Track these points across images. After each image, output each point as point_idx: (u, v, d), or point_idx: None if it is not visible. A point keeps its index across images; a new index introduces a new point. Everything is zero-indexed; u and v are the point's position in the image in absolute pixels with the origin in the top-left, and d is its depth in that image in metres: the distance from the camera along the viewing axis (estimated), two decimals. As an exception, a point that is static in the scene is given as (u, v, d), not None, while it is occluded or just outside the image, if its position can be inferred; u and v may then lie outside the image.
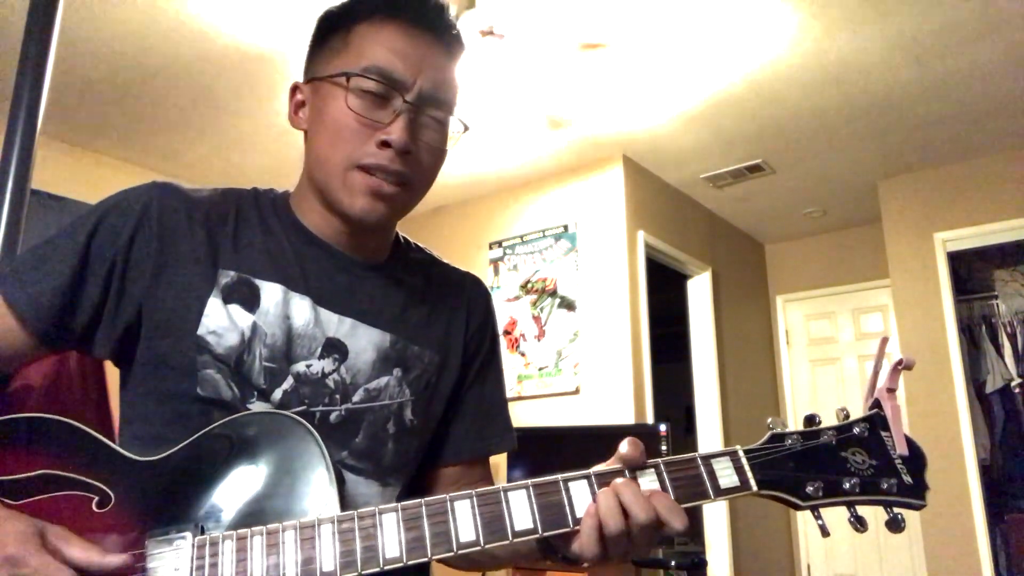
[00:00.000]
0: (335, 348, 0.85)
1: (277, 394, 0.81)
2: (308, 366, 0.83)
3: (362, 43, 0.83)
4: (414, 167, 0.84)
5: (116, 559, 0.66)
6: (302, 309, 0.84)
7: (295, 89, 0.90)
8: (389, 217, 0.86)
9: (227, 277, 0.82)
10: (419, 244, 1.01)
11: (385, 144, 0.81)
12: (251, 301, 0.82)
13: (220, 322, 0.80)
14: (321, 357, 0.84)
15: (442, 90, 0.85)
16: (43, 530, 0.65)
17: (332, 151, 0.83)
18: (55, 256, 0.80)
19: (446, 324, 0.95)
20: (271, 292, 0.83)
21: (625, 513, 0.68)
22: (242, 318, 0.81)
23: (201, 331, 0.80)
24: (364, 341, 0.87)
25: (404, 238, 0.99)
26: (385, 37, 0.83)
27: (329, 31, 0.87)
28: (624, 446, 0.72)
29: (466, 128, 0.89)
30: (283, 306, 0.83)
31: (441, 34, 0.86)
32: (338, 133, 0.82)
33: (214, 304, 0.81)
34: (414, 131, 0.83)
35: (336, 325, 0.85)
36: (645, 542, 0.69)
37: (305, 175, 0.90)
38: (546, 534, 0.70)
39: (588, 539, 0.69)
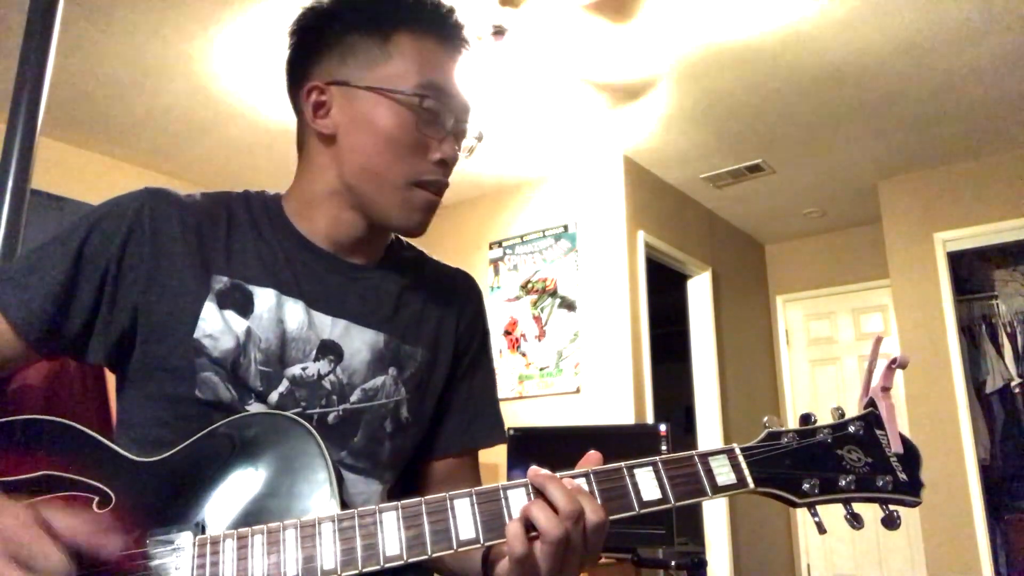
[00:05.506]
0: (330, 350, 0.85)
1: (273, 397, 0.82)
2: (303, 369, 0.84)
3: (407, 56, 0.84)
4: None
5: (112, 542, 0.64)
6: (295, 313, 0.85)
7: (314, 90, 0.86)
8: None
9: (220, 283, 0.83)
10: (410, 242, 1.02)
11: (443, 162, 0.85)
12: (245, 306, 0.83)
13: (215, 326, 0.81)
14: (316, 359, 0.84)
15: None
16: (39, 515, 0.63)
17: (388, 167, 0.84)
18: (48, 262, 0.80)
19: (437, 321, 0.96)
20: (264, 297, 0.84)
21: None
22: (237, 323, 0.82)
23: (197, 335, 0.80)
24: (358, 342, 0.87)
25: (395, 237, 1.00)
26: (431, 53, 0.86)
27: (347, 32, 0.85)
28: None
29: (480, 138, 0.93)
30: (276, 311, 0.84)
31: (462, 49, 0.90)
32: (396, 149, 0.84)
33: (209, 309, 0.81)
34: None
35: (330, 327, 0.86)
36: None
37: (316, 181, 0.89)
38: None
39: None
